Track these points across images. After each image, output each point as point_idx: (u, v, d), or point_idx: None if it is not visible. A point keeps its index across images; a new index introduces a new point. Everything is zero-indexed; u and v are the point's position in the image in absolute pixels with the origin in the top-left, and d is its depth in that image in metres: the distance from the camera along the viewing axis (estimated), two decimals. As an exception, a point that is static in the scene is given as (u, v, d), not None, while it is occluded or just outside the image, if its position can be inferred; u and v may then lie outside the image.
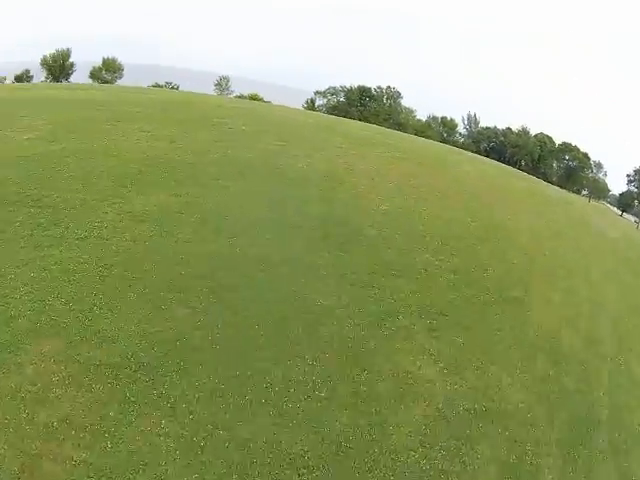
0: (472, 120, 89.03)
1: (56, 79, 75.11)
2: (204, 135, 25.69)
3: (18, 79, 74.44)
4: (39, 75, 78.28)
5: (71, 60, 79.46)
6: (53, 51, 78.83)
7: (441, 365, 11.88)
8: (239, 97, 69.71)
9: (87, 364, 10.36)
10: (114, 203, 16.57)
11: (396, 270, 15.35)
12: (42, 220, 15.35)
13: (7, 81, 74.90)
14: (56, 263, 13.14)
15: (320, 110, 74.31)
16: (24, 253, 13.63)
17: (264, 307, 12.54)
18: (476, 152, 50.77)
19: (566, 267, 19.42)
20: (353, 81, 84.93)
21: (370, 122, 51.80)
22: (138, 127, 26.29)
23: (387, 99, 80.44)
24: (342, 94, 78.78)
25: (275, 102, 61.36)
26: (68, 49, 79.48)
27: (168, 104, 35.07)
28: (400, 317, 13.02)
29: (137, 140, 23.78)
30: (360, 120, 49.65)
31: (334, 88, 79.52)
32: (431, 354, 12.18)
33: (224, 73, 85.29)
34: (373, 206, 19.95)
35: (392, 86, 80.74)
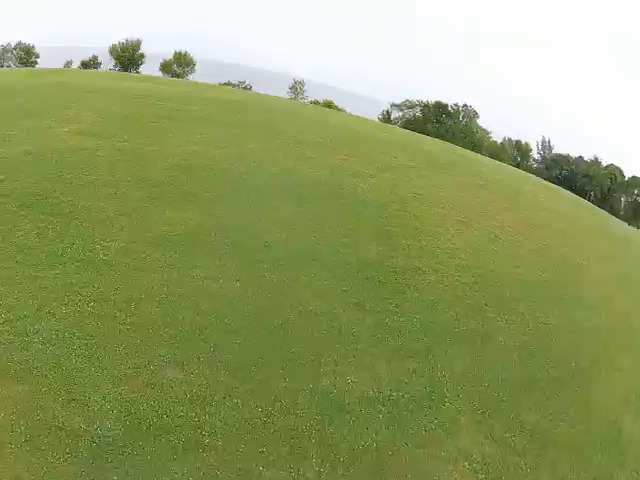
0: (546, 146, 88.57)
1: (125, 69, 77.63)
2: (264, 144, 24.62)
3: (85, 65, 78.52)
4: (107, 63, 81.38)
5: (141, 51, 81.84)
6: (123, 40, 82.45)
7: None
8: (314, 103, 69.22)
9: (49, 423, 8.74)
10: (135, 219, 15.56)
11: (451, 337, 14.02)
12: (49, 232, 14.90)
13: (73, 66, 79.12)
14: (46, 289, 12.05)
15: (395, 123, 74.42)
16: (16, 271, 12.67)
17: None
18: (548, 179, 49.60)
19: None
20: (431, 96, 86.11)
21: (446, 139, 51.21)
22: (190, 128, 25.64)
23: (463, 117, 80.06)
24: (418, 108, 78.39)
25: (351, 111, 61.43)
26: (138, 40, 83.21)
27: (233, 105, 34.45)
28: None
29: (184, 143, 22.96)
30: (436, 137, 48.48)
31: (410, 101, 79.90)
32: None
33: (303, 77, 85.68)
34: (439, 243, 18.35)
35: (469, 104, 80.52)
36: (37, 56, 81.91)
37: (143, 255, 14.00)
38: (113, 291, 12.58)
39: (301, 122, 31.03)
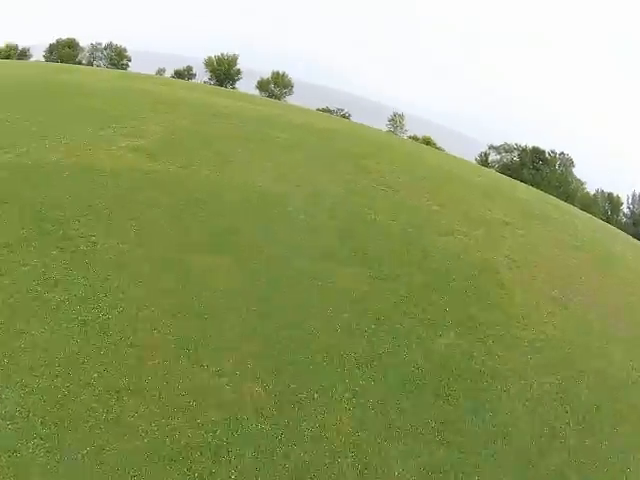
0: (636, 200, 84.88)
1: (220, 83, 79.29)
2: (344, 184, 22.50)
3: (178, 75, 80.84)
4: (202, 75, 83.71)
5: (238, 66, 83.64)
6: (219, 54, 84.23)
7: None
8: (412, 138, 67.94)
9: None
10: (157, 275, 13.38)
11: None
12: (55, 272, 13.14)
13: (166, 74, 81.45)
14: (23, 350, 10.45)
15: (492, 166, 76.77)
16: (4, 316, 10.75)
17: None
18: (634, 234, 47.83)
19: None
20: (529, 139, 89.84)
21: (540, 188, 51.84)
22: (265, 157, 24.07)
23: (559, 166, 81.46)
24: (516, 152, 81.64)
25: (448, 149, 61.68)
26: (235, 55, 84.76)
27: (323, 134, 33.07)
28: None
29: (250, 176, 20.95)
30: (531, 184, 49.90)
31: (508, 145, 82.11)
32: None
33: (401, 109, 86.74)
34: (527, 334, 15.47)
35: (566, 152, 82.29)
36: (129, 59, 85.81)
37: (155, 329, 11.96)
38: (96, 374, 10.46)
39: (397, 160, 29.29)
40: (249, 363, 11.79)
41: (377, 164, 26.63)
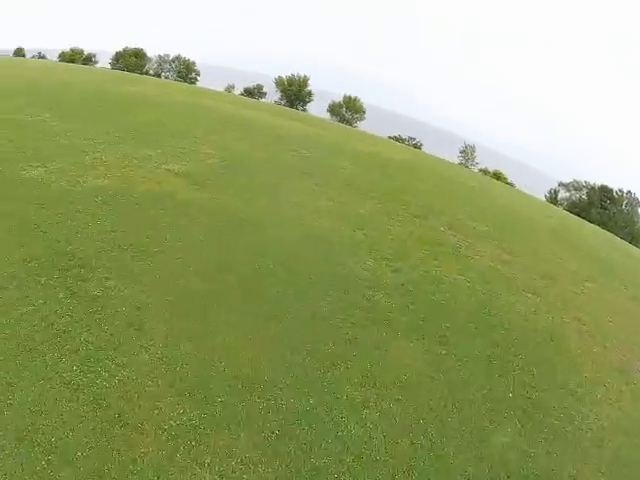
0: None
1: (291, 104, 78.60)
2: (405, 230, 19.97)
3: (248, 92, 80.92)
4: (273, 95, 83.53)
5: (309, 88, 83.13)
6: (289, 74, 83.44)
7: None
8: (483, 172, 65.23)
9: None
10: (174, 342, 11.24)
11: None
12: (58, 321, 11.38)
13: (235, 90, 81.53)
14: (9, 407, 9.20)
15: (561, 205, 74.43)
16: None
17: None
18: None
19: None
20: (598, 177, 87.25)
21: (607, 228, 51.12)
22: (325, 192, 21.98)
23: (626, 205, 78.48)
24: (585, 190, 79.31)
25: (518, 184, 60.36)
26: (305, 76, 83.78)
27: (392, 164, 31.42)
28: None
29: (306, 214, 18.79)
30: (599, 224, 49.50)
31: (578, 182, 79.60)
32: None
33: (468, 138, 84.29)
34: (594, 423, 12.40)
35: (633, 192, 79.04)
36: (198, 73, 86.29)
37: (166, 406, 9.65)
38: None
39: (467, 200, 27.30)
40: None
41: (445, 204, 24.44)
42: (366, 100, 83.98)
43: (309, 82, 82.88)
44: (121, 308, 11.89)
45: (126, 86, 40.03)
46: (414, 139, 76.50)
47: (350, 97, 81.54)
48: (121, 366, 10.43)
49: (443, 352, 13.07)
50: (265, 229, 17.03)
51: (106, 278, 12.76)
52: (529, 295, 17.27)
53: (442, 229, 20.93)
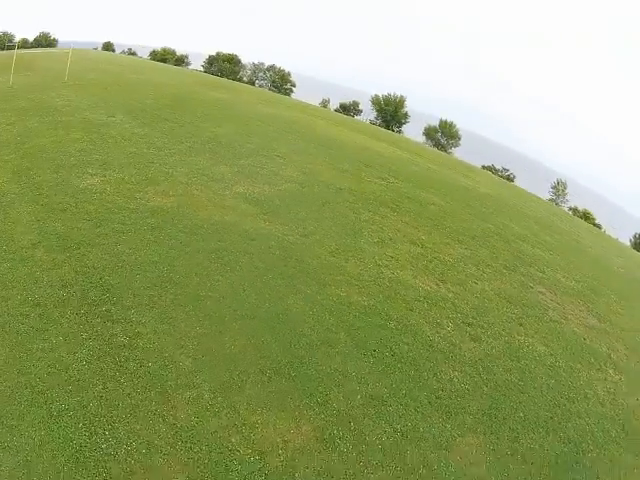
0: None
1: (387, 124, 76.82)
2: (489, 283, 17.61)
3: (343, 108, 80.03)
4: (368, 113, 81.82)
5: (405, 109, 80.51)
6: (386, 93, 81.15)
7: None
8: (572, 210, 60.73)
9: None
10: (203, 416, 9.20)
11: None
12: (74, 366, 9.93)
13: (331, 105, 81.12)
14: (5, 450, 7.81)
15: None
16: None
17: None
18: None
19: None
20: None
21: None
22: (410, 234, 19.31)
23: None
24: None
25: (603, 223, 55.76)
26: (402, 96, 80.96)
27: (479, 201, 28.63)
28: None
29: (388, 259, 16.75)
30: None
31: None
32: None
33: (559, 172, 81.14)
34: None
35: None
36: (293, 84, 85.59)
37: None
38: None
39: (557, 248, 24.57)
40: None
41: (536, 253, 21.76)
42: (462, 125, 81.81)
43: (405, 103, 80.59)
44: (147, 364, 10.06)
45: (215, 92, 39.39)
46: (507, 170, 73.20)
47: (446, 122, 78.86)
48: (134, 435, 8.59)
49: (509, 452, 10.50)
50: (335, 279, 14.73)
51: (138, 322, 11.02)
52: (610, 371, 14.47)
53: (531, 285, 18.25)
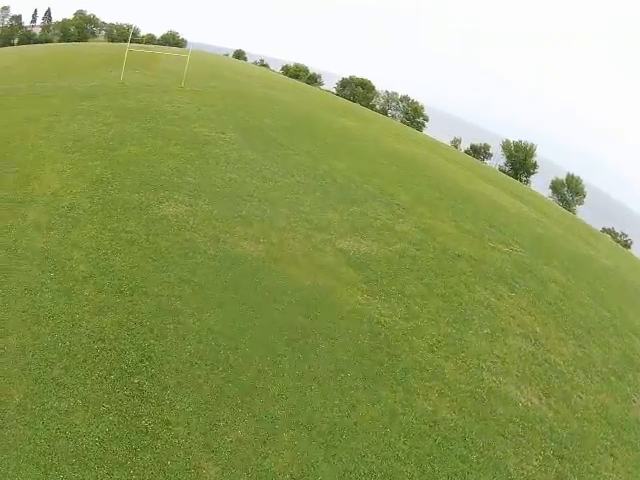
0: None
1: (515, 172, 75.84)
2: (592, 399, 14.22)
3: (474, 150, 78.65)
4: (499, 158, 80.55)
5: (534, 159, 78.06)
6: (517, 139, 78.95)
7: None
8: None
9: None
10: None
11: None
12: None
13: (461, 145, 79.66)
14: None
15: None
16: None
17: None
18: None
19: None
20: None
21: None
22: (522, 323, 16.52)
23: None
24: None
25: None
26: (532, 145, 78.23)
27: (605, 279, 24.28)
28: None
29: (494, 361, 13.71)
30: None
31: None
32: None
33: None
34: None
35: None
36: (426, 119, 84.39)
37: None
38: None
39: None
40: None
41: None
42: (588, 181, 78.74)
43: (535, 152, 78.49)
44: (166, 462, 8.19)
45: (343, 118, 37.61)
46: (625, 235, 68.73)
47: (573, 176, 75.83)
48: None
49: None
50: (426, 385, 11.84)
51: (171, 407, 9.12)
52: None
53: (634, 399, 14.65)
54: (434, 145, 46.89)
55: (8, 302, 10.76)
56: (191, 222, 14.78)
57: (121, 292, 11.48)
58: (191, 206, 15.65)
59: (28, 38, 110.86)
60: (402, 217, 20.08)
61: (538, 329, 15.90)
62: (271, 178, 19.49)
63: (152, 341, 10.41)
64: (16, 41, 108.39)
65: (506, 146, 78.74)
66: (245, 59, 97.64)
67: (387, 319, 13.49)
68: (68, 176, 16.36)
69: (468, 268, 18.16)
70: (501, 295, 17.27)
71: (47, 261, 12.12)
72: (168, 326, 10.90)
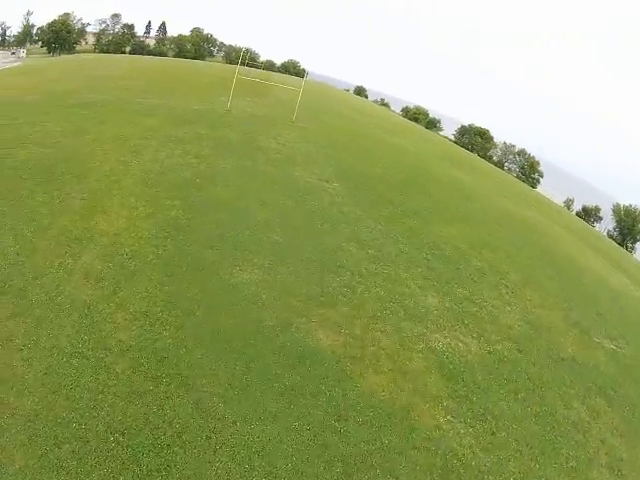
0: None
1: (622, 238, 72.30)
2: None
3: (585, 212, 75.40)
4: (608, 221, 76.93)
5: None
6: (627, 203, 75.22)
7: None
8: None
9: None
10: None
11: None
12: None
13: (574, 205, 76.37)
14: None
15: None
16: None
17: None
18: None
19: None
20: None
21: None
22: (605, 453, 12.77)
23: None
24: None
25: None
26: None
27: None
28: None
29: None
30: None
31: None
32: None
33: None
34: None
35: None
36: (541, 175, 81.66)
37: None
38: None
39: None
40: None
41: None
42: None
43: None
44: None
45: (459, 171, 34.82)
46: None
47: None
48: None
49: None
50: None
51: None
52: None
53: None
54: (545, 207, 43.08)
55: (33, 356, 9.64)
56: (264, 297, 12.51)
57: (157, 378, 9.55)
58: (269, 274, 13.42)
59: (141, 48, 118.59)
60: (509, 304, 16.81)
61: (624, 455, 12.57)
62: (371, 244, 16.96)
63: (177, 448, 8.48)
64: (128, 49, 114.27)
65: (616, 210, 76.06)
66: (366, 96, 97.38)
67: (466, 451, 10.67)
68: (138, 215, 14.77)
69: (569, 377, 14.80)
70: (597, 412, 13.84)
71: (85, 319, 10.43)
72: (202, 433, 8.79)
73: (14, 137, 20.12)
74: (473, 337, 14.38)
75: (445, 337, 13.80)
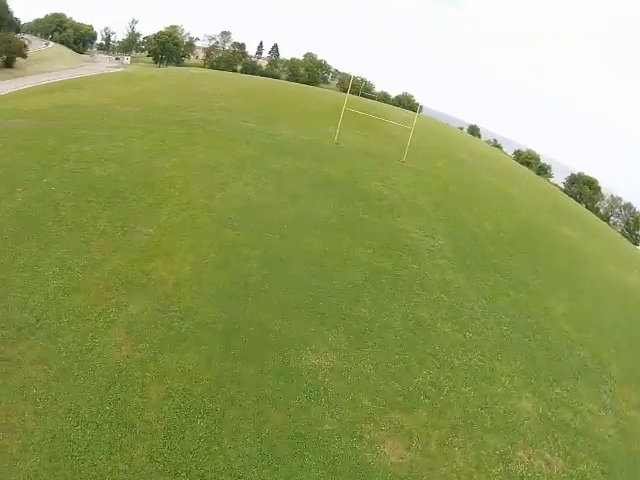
0: None
1: None
2: None
3: None
4: None
5: None
6: None
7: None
8: None
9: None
10: None
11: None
12: None
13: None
14: None
15: None
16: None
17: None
18: None
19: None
20: None
21: None
22: None
23: None
24: None
25: None
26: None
27: None
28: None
29: None
30: None
31: None
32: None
33: None
34: None
35: None
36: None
37: None
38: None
39: None
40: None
41: None
42: None
43: None
44: None
45: (568, 227, 31.03)
46: None
47: None
48: None
49: None
50: None
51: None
52: None
53: None
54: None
55: (48, 413, 8.72)
56: (331, 392, 10.39)
57: (176, 475, 7.98)
58: (344, 361, 11.30)
59: (253, 68, 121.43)
60: (605, 408, 13.43)
61: None
62: (470, 325, 14.28)
63: None
64: (239, 68, 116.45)
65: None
66: (479, 136, 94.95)
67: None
68: (207, 264, 13.22)
69: None
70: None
71: (113, 387, 9.05)
72: None
73: (94, 151, 19.42)
74: (559, 455, 11.57)
75: (529, 456, 11.03)
